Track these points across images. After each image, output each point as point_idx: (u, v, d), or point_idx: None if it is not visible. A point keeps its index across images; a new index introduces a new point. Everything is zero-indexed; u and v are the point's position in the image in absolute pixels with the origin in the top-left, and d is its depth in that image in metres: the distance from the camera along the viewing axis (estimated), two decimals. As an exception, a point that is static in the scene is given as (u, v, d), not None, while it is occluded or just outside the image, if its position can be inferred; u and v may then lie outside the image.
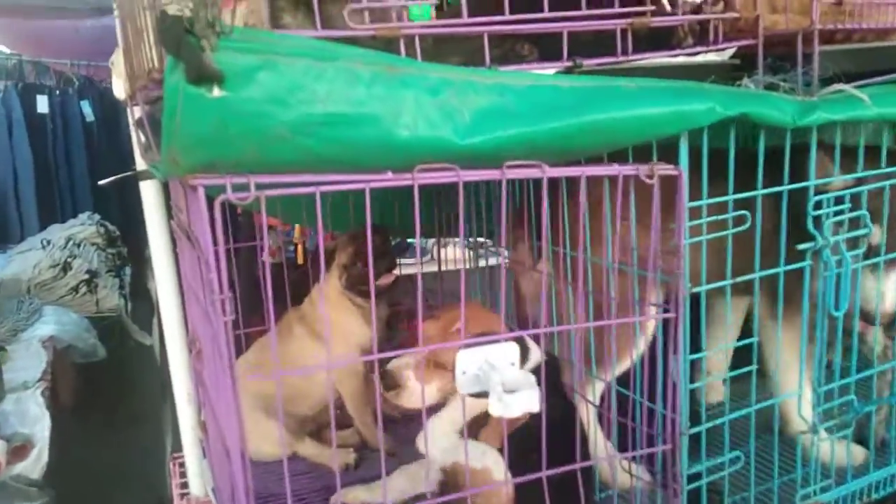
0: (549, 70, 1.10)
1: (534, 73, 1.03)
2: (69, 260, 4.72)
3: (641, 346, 1.44)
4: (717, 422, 1.34)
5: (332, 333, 1.73)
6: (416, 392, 1.22)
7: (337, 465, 1.73)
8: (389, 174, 0.93)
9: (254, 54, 0.83)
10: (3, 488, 2.26)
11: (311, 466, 1.77)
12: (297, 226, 3.43)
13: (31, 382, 3.09)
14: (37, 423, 2.74)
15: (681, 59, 1.23)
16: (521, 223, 1.56)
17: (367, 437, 1.80)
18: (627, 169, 1.07)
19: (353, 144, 0.90)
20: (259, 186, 0.87)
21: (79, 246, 4.99)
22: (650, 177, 1.08)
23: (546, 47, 1.20)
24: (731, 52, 1.27)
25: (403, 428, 1.99)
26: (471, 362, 1.03)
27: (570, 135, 1.01)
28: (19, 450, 2.43)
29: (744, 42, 1.26)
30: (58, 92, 6.14)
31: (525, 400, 0.94)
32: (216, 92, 0.82)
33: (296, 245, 4.19)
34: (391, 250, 1.79)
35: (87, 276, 4.68)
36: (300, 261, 3.60)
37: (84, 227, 5.31)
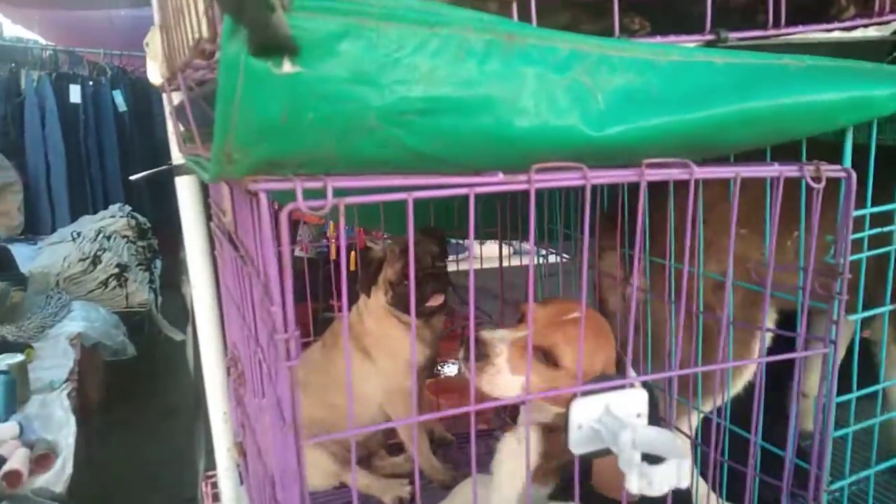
0: (686, 44, 0.87)
1: (681, 47, 0.81)
2: (99, 253, 4.62)
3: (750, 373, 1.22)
4: (863, 475, 1.12)
5: (379, 350, 1.53)
6: (502, 372, 1.03)
7: (389, 498, 1.54)
8: (500, 175, 0.72)
9: (338, 16, 0.61)
10: (23, 502, 2.09)
11: (363, 499, 1.57)
12: (331, 221, 3.27)
13: (57, 383, 2.95)
14: (62, 428, 2.59)
15: (835, 35, 1.00)
16: (613, 229, 1.34)
17: (423, 465, 1.59)
18: (789, 169, 0.85)
19: (458, 137, 0.69)
20: (338, 193, 0.66)
21: (109, 238, 4.89)
22: (817, 179, 0.85)
23: (660, 21, 0.97)
24: (895, 26, 1.03)
25: (460, 453, 1.79)
26: (589, 413, 0.81)
27: (725, 125, 0.79)
28: (43, 459, 2.26)
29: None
30: (91, 82, 6.08)
31: (672, 472, 0.72)
32: (287, 67, 0.61)
33: (329, 239, 4.03)
34: (445, 268, 1.57)
35: (116, 270, 4.58)
36: (333, 255, 3.43)
37: (115, 219, 5.21)
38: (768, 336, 1.14)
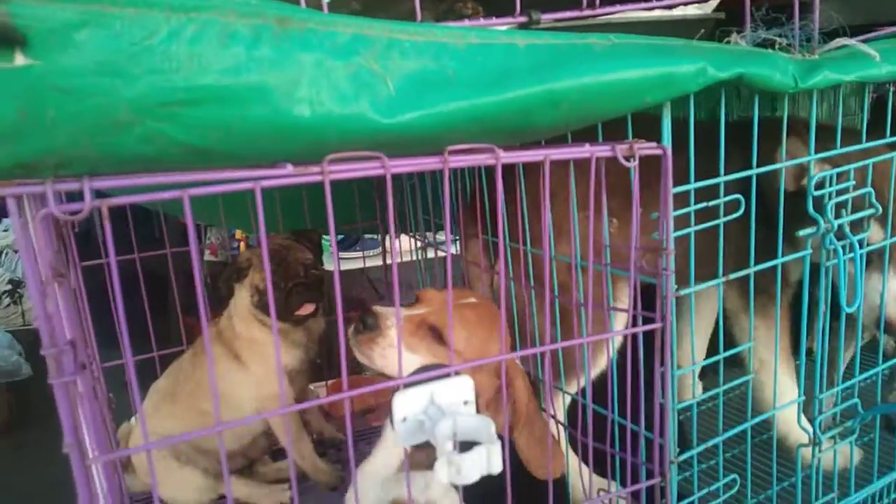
0: (497, 27, 0.86)
1: (480, 28, 0.79)
2: (-14, 270, 4.35)
3: (613, 351, 1.24)
4: (711, 443, 1.14)
5: (250, 354, 1.48)
6: (393, 344, 0.99)
7: (270, 504, 1.50)
8: (289, 167, 0.68)
9: (73, 3, 0.57)
10: None
11: (244, 506, 1.53)
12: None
13: (-61, 410, 2.76)
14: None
15: (655, 14, 1.01)
16: (474, 217, 1.33)
17: (307, 469, 1.55)
18: (601, 149, 0.85)
19: (231, 129, 0.65)
20: (101, 194, 0.62)
21: (1, 254, 4.61)
22: (630, 158, 0.86)
23: (495, 6, 0.96)
24: (714, 3, 1.05)
25: (354, 452, 1.76)
26: (413, 404, 0.79)
27: (528, 108, 0.78)
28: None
29: (729, -8, 1.05)
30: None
31: (481, 459, 0.71)
32: (19, 59, 0.56)
33: (240, 241, 3.92)
34: (317, 275, 1.52)
35: (9, 287, 4.34)
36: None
37: (7, 233, 4.92)
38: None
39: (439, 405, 0.80)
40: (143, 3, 0.59)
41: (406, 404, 0.79)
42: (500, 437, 0.82)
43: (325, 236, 2.94)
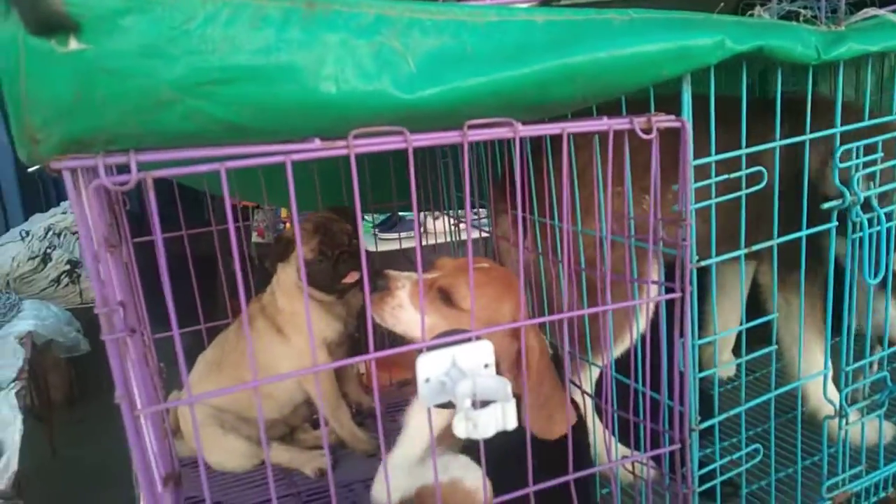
0: (518, 4, 0.89)
1: (499, 6, 0.83)
2: (49, 251, 4.57)
3: (642, 324, 1.26)
4: (733, 412, 1.16)
5: (293, 328, 1.54)
6: (405, 306, 1.07)
7: (310, 469, 1.57)
8: (317, 142, 0.73)
9: (118, -9, 0.62)
10: (-35, 501, 2.10)
11: (286, 472, 1.60)
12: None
13: (4, 383, 2.93)
14: (7, 427, 2.59)
15: (680, -11, 1.02)
16: (504, 192, 1.36)
17: (345, 437, 1.62)
18: (619, 122, 0.87)
19: (263, 106, 0.70)
20: (145, 166, 0.67)
21: (59, 236, 4.82)
22: (647, 131, 0.88)
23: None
24: (739, -23, 1.06)
25: (388, 421, 1.82)
26: (436, 366, 0.84)
27: (547, 82, 0.81)
28: (-13, 458, 2.27)
29: (755, -35, 1.05)
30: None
31: (496, 416, 0.75)
32: (73, 44, 0.62)
33: (285, 222, 4.02)
34: (358, 245, 1.58)
35: (68, 267, 4.53)
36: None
37: (66, 215, 5.13)
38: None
39: (460, 367, 0.84)
40: (182, -12, 0.65)
41: (429, 366, 0.84)
42: (519, 397, 0.86)
43: (364, 216, 2.99)
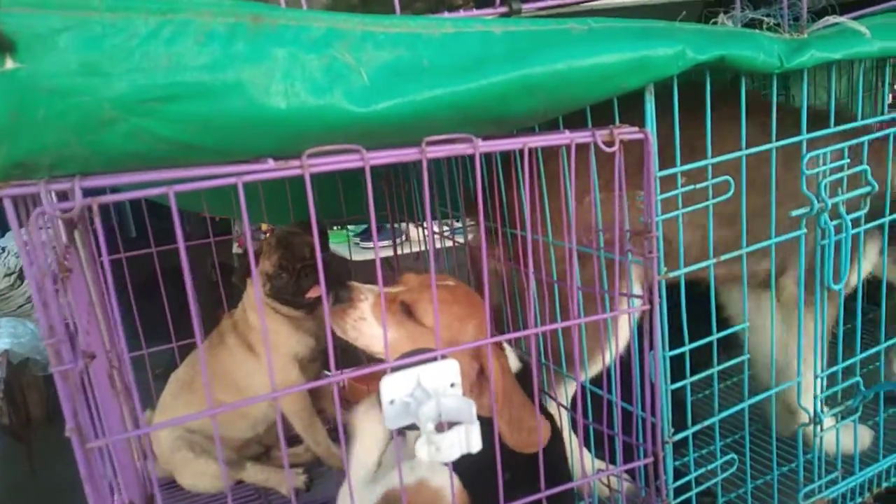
0: (478, 16, 0.88)
1: (456, 18, 0.81)
2: (24, 267, 4.49)
3: (622, 339, 1.24)
4: (707, 423, 1.16)
5: (262, 344, 1.52)
6: (367, 319, 1.05)
7: (286, 489, 1.55)
8: (270, 162, 0.72)
9: (55, 10, 0.60)
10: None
11: (263, 492, 1.57)
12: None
13: (-21, 403, 2.87)
14: (-20, 447, 2.53)
15: (642, -2, 1.02)
16: (474, 203, 1.35)
17: (321, 454, 1.60)
18: (581, 136, 0.86)
19: (210, 123, 0.68)
20: (91, 192, 0.65)
21: (34, 252, 4.75)
22: (610, 143, 0.87)
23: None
24: (701, -16, 1.06)
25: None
26: (400, 387, 0.82)
27: (506, 95, 0.80)
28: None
29: (717, -28, 1.05)
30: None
31: (460, 439, 0.73)
32: (8, 64, 0.60)
33: (266, 233, 3.98)
34: (324, 257, 1.54)
35: (43, 283, 4.45)
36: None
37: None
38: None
39: (426, 388, 0.83)
40: (122, 6, 0.63)
41: (393, 387, 0.82)
42: (488, 418, 0.84)
43: (340, 228, 2.96)
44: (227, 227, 3.57)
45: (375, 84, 0.73)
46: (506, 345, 1.17)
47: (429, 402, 0.78)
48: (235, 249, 3.74)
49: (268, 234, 3.96)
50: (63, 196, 0.68)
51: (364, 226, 3.01)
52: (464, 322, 1.08)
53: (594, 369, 1.24)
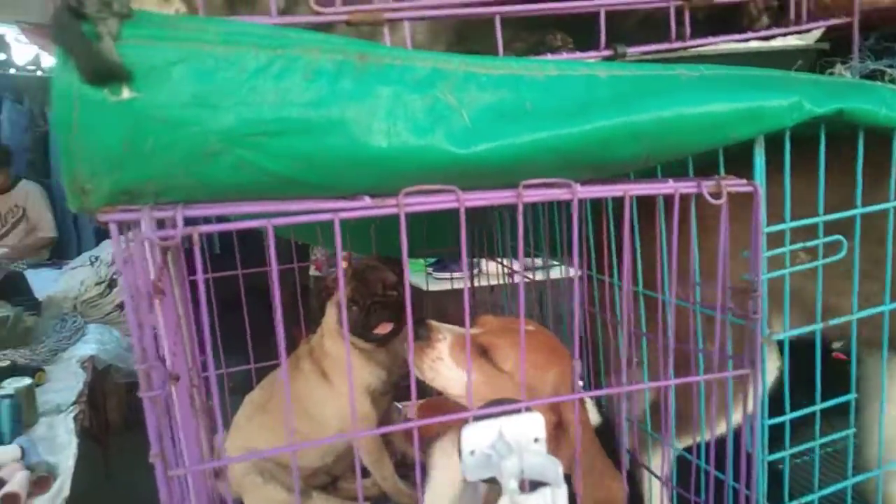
0: (581, 59, 0.86)
1: (560, 61, 0.79)
2: (115, 276, 4.70)
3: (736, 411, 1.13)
4: (804, 500, 1.07)
5: (337, 373, 1.52)
6: (444, 359, 1.03)
7: (351, 524, 1.53)
8: (367, 200, 0.71)
9: (171, 42, 0.62)
10: (17, 524, 2.12)
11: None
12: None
13: (64, 406, 2.98)
14: (63, 450, 2.62)
15: (753, 45, 0.97)
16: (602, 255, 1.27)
17: (388, 490, 1.57)
18: (686, 185, 0.82)
19: (313, 159, 0.68)
20: (193, 221, 0.66)
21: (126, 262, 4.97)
22: (717, 195, 0.83)
23: (585, 38, 0.96)
24: (817, 34, 1.00)
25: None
26: (482, 438, 0.79)
27: (609, 141, 0.77)
28: (42, 481, 2.29)
29: (835, 21, 0.99)
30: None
31: (546, 502, 0.69)
32: (125, 93, 0.61)
33: (344, 258, 4.05)
34: (399, 295, 1.53)
35: (131, 294, 4.64)
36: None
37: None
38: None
39: (508, 440, 0.79)
40: (235, 41, 0.64)
41: (475, 437, 0.79)
42: (569, 476, 0.80)
43: (417, 260, 2.96)
44: (306, 249, 3.65)
45: (477, 126, 0.72)
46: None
47: (511, 458, 0.74)
48: (312, 272, 3.82)
49: (345, 260, 4.03)
50: (161, 221, 0.69)
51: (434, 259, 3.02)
52: (543, 370, 1.04)
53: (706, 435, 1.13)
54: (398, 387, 1.66)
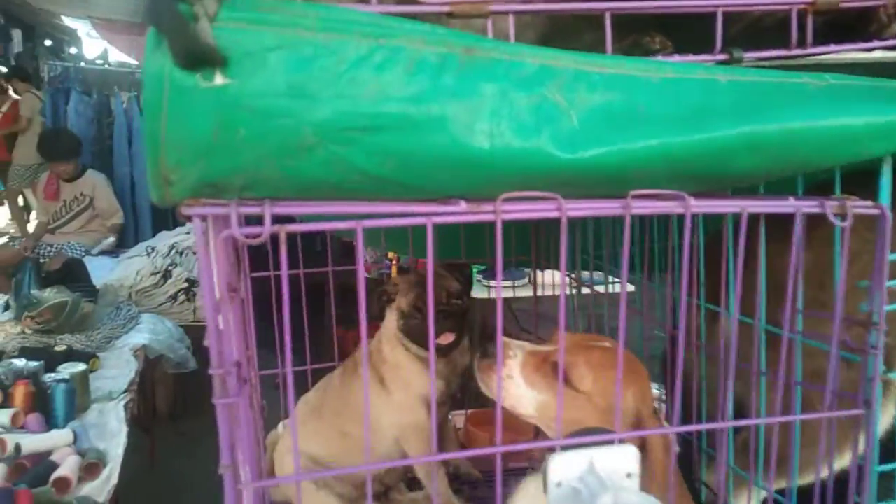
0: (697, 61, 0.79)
1: (677, 63, 0.73)
2: (170, 268, 4.78)
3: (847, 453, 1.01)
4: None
5: (394, 380, 1.47)
6: (514, 378, 0.99)
7: (404, 533, 1.48)
8: (462, 204, 0.65)
9: (272, 27, 0.57)
10: (66, 509, 2.14)
11: (375, 535, 1.51)
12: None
13: (116, 393, 3.02)
14: (113, 437, 2.64)
15: (878, 55, 0.89)
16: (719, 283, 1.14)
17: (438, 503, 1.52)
18: (808, 204, 0.74)
19: (408, 158, 0.63)
20: (280, 219, 0.62)
21: (181, 254, 5.05)
22: (841, 216, 0.75)
23: (684, 41, 0.89)
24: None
25: (489, 491, 1.70)
26: (570, 469, 0.73)
27: (727, 151, 0.70)
28: (92, 467, 2.31)
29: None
30: (175, 103, 6.38)
31: (646, 546, 0.63)
32: (218, 79, 0.57)
33: (391, 261, 4.04)
34: (461, 305, 1.47)
35: (185, 285, 4.72)
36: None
37: (189, 235, 5.39)
38: None
39: (599, 474, 0.73)
40: (336, 28, 0.59)
41: (562, 468, 0.73)
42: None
43: (476, 266, 2.91)
44: (348, 248, 3.65)
45: (585, 129, 0.66)
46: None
47: (605, 496, 0.67)
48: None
49: (392, 262, 4.02)
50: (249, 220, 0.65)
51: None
52: (623, 389, 0.97)
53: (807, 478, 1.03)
54: (455, 398, 1.60)
